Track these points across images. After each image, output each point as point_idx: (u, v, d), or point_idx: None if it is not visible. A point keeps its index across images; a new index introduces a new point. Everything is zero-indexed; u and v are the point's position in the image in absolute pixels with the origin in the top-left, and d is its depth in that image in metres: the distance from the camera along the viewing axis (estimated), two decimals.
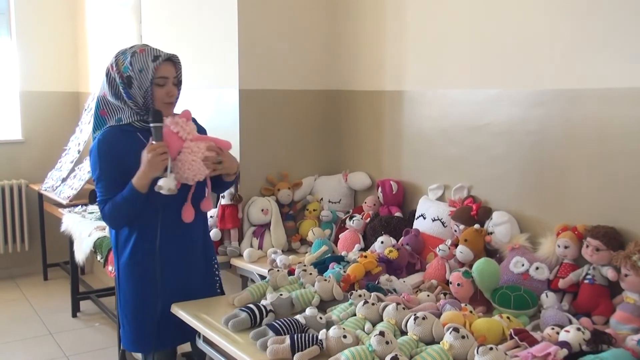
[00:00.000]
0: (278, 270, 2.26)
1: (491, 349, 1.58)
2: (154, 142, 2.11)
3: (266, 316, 1.92)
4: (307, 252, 2.92)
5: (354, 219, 2.88)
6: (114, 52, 2.23)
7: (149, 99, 2.15)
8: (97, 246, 3.27)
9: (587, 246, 2.07)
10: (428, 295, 2.15)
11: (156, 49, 2.18)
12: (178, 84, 2.24)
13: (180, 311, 2.11)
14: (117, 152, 2.15)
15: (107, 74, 2.18)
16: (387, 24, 3.05)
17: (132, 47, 2.19)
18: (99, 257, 3.24)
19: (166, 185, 2.06)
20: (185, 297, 2.24)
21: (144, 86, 2.13)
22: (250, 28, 3.11)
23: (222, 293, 2.46)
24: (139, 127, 2.20)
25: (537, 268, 2.20)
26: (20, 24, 5.21)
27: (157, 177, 2.10)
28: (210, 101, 3.35)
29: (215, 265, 2.46)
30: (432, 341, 1.74)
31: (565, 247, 2.14)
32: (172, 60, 2.20)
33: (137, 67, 2.12)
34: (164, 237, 2.18)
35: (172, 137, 2.15)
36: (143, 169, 2.09)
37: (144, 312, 2.25)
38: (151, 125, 2.13)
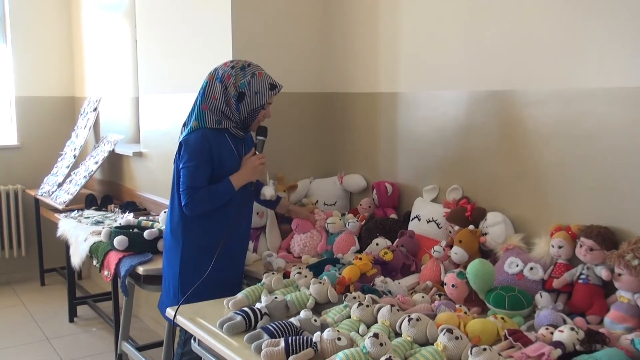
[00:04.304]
0: (273, 273, 2.26)
1: (485, 349, 1.58)
2: (257, 153, 2.52)
3: (261, 319, 1.92)
4: None
5: (349, 221, 2.88)
6: (229, 62, 2.48)
7: (252, 116, 2.47)
8: (93, 251, 3.27)
9: (581, 246, 2.07)
10: (423, 297, 2.16)
11: (270, 76, 2.48)
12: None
13: (177, 315, 2.11)
14: (212, 150, 2.42)
15: (222, 81, 2.43)
16: (381, 26, 3.05)
17: (250, 67, 2.46)
18: (95, 262, 3.24)
19: (269, 192, 2.60)
20: (234, 284, 2.51)
21: (253, 106, 2.44)
22: (244, 31, 3.11)
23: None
24: (232, 132, 2.48)
25: (531, 268, 2.20)
26: (15, 30, 5.21)
27: (252, 182, 2.51)
28: None
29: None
30: (426, 342, 1.74)
31: (559, 247, 2.15)
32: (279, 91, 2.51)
33: (254, 89, 2.42)
34: (230, 228, 2.45)
35: (307, 224, 2.94)
36: (244, 172, 2.47)
37: (217, 292, 2.34)
38: (257, 137, 2.52)
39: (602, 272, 2.00)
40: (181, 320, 2.08)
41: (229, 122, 2.47)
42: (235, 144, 2.51)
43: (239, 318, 1.91)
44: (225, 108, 2.45)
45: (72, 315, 4.46)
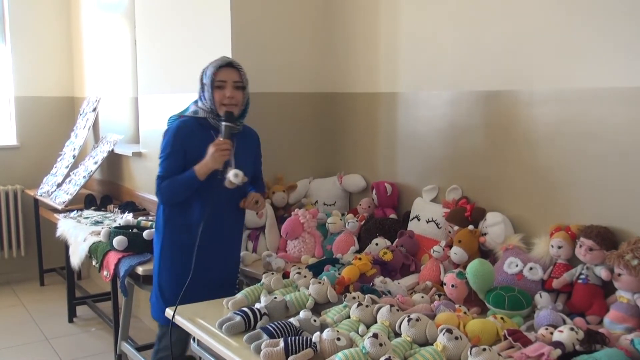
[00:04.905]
0: (272, 274, 2.26)
1: (484, 349, 1.58)
2: (220, 139, 2.39)
3: (260, 319, 1.92)
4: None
5: (348, 221, 2.88)
6: None
7: (213, 101, 2.44)
8: (93, 251, 3.27)
9: (581, 246, 2.07)
10: (422, 297, 2.15)
11: (225, 58, 2.48)
12: (242, 88, 2.47)
13: (176, 315, 2.11)
14: (189, 140, 2.44)
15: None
16: (380, 26, 3.05)
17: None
18: (94, 262, 3.24)
19: (233, 178, 2.37)
20: (215, 284, 2.47)
21: (208, 90, 2.44)
22: (243, 31, 3.11)
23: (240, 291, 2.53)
24: (213, 124, 2.47)
25: (531, 268, 2.20)
26: (14, 30, 5.20)
27: (218, 170, 2.38)
28: None
29: (238, 268, 2.72)
30: (426, 342, 1.74)
31: (559, 247, 2.15)
32: (234, 67, 2.45)
33: (206, 75, 2.46)
34: (210, 225, 2.42)
35: (298, 224, 2.87)
36: (206, 160, 2.38)
37: (178, 285, 2.40)
38: (222, 123, 2.41)
39: (602, 272, 2.00)
40: (180, 321, 2.08)
41: (205, 113, 2.48)
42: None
43: (238, 318, 1.91)
44: (199, 102, 2.51)
45: (72, 315, 4.45)
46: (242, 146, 2.53)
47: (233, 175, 2.37)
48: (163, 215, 2.53)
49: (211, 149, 2.37)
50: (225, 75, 2.44)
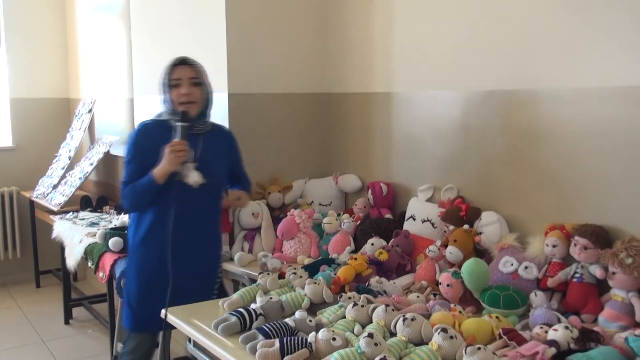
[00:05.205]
0: (268, 274, 2.26)
1: (479, 348, 1.58)
2: (176, 139, 2.32)
3: (256, 320, 1.92)
4: None
5: (344, 221, 2.89)
6: None
7: (172, 102, 2.40)
8: (88, 252, 3.27)
9: (575, 245, 2.08)
10: (418, 297, 2.16)
11: (179, 57, 2.43)
12: (200, 85, 2.42)
13: (170, 316, 2.11)
14: (150, 144, 2.36)
15: None
16: (375, 26, 3.06)
17: None
18: (90, 264, 3.24)
19: (192, 178, 2.32)
20: (185, 289, 2.37)
21: (166, 89, 2.40)
22: (238, 32, 3.11)
23: (220, 295, 2.52)
24: (173, 125, 2.39)
25: (526, 267, 2.21)
26: (9, 31, 5.19)
27: (178, 171, 2.32)
28: None
29: (219, 269, 2.64)
30: (421, 342, 1.75)
31: (554, 246, 2.15)
32: (189, 64, 2.41)
33: (163, 76, 2.40)
34: (176, 228, 2.34)
35: (294, 224, 2.90)
36: (162, 163, 2.31)
37: (148, 294, 2.42)
38: (177, 124, 2.35)
39: (596, 271, 2.00)
40: (175, 321, 2.08)
41: (168, 115, 2.42)
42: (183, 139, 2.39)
43: (234, 319, 1.91)
44: (162, 106, 2.46)
45: (68, 317, 4.44)
46: (211, 146, 2.46)
47: (192, 182, 2.33)
48: (132, 221, 2.50)
49: (166, 151, 2.29)
50: (180, 73, 2.38)
